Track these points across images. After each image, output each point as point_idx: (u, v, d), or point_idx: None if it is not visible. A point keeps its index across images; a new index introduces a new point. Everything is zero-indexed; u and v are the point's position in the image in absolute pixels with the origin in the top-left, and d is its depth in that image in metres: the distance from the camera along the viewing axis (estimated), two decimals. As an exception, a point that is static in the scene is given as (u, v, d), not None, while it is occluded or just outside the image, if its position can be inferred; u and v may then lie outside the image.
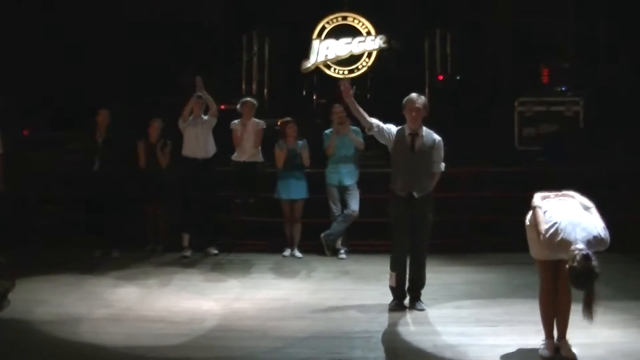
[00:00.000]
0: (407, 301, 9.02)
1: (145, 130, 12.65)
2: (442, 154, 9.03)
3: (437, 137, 9.02)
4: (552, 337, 7.09)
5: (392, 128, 8.98)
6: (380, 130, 8.90)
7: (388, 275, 9.04)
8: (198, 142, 12.21)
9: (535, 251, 6.99)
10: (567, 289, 6.90)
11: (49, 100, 16.00)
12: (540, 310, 7.17)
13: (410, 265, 9.01)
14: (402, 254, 8.98)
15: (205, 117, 12.31)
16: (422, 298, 9.04)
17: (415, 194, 8.80)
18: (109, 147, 12.13)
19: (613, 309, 8.63)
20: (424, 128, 8.98)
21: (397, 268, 8.95)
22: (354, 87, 18.71)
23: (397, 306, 8.91)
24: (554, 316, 7.06)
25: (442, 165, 9.04)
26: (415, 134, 8.88)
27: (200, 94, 12.16)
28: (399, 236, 8.98)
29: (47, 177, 13.58)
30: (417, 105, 8.83)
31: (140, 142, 12.60)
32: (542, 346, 7.09)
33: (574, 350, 6.94)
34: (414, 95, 8.99)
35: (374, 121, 8.92)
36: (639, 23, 16.10)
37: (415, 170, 8.84)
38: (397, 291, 8.99)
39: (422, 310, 8.84)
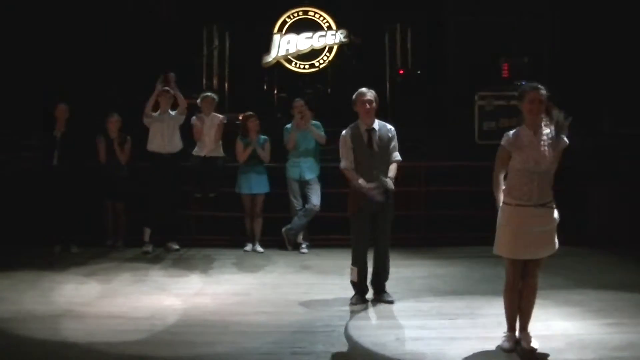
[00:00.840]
0: (372, 294, 9.07)
1: (104, 126, 12.56)
2: (396, 143, 9.01)
3: (391, 127, 9.03)
4: (514, 330, 7.14)
5: (346, 136, 8.97)
6: (351, 158, 8.93)
7: (349, 270, 9.05)
8: (164, 137, 12.15)
9: (505, 250, 7.02)
10: (533, 287, 7.08)
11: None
12: (505, 305, 7.20)
13: (374, 259, 9.04)
14: (363, 249, 8.99)
15: (173, 113, 12.25)
16: None
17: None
18: (68, 142, 12.02)
19: (570, 302, 8.80)
20: (377, 121, 8.98)
21: (358, 263, 8.96)
22: (319, 86, 18.81)
23: (358, 300, 8.92)
24: (517, 310, 7.13)
25: (397, 154, 8.99)
26: (371, 129, 8.88)
27: (167, 87, 12.11)
28: (360, 231, 8.98)
29: (2, 173, 13.41)
30: (369, 97, 8.84)
31: (100, 137, 12.51)
32: (504, 338, 7.14)
33: (535, 342, 7.00)
34: (363, 89, 8.97)
35: (349, 163, 8.93)
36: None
37: (377, 166, 8.80)
38: (359, 286, 9.00)
39: (391, 302, 8.88)
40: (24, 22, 16.43)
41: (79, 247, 12.05)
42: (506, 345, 7.07)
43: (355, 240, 9.06)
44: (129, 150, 12.54)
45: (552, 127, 6.91)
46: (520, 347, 7.00)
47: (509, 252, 7.00)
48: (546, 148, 6.86)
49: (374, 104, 8.85)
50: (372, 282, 9.11)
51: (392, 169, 8.89)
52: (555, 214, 6.99)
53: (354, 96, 8.96)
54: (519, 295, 7.09)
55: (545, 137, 6.89)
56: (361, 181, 8.69)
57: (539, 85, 7.00)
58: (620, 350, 7.05)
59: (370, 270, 9.10)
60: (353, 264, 9.02)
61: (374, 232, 8.97)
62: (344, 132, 8.99)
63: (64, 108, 12.11)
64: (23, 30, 16.31)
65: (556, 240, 7.02)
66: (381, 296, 9.00)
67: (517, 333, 7.13)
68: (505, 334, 7.17)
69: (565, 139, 6.90)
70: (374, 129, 8.86)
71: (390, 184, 8.70)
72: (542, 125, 6.92)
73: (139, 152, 12.55)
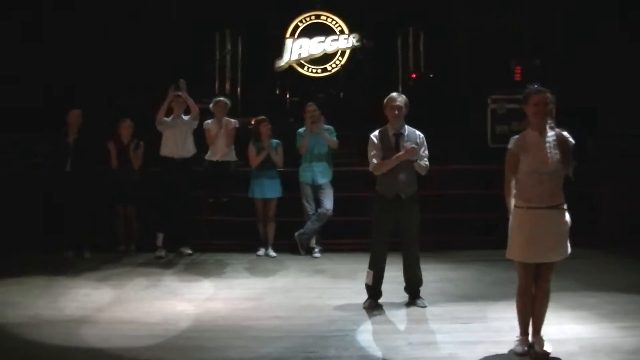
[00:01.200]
0: (407, 300, 9.11)
1: (116, 131, 12.59)
2: (426, 150, 9.00)
3: (420, 134, 9.00)
4: (527, 334, 7.16)
5: (374, 140, 8.93)
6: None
7: (365, 274, 9.06)
8: (176, 143, 12.17)
9: (517, 254, 7.03)
10: (545, 291, 7.09)
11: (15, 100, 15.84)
12: (517, 308, 7.19)
13: (404, 266, 9.05)
14: (382, 253, 8.99)
15: (186, 118, 12.27)
16: (393, 296, 9.12)
17: (402, 195, 8.82)
18: (81, 148, 12.04)
19: (584, 305, 8.77)
20: (407, 127, 8.97)
21: (375, 267, 8.97)
22: (331, 90, 18.81)
23: (371, 305, 8.93)
24: (530, 314, 7.12)
25: (426, 161, 8.94)
26: (399, 134, 8.87)
27: (179, 92, 12.14)
28: (380, 236, 8.99)
29: (15, 178, 13.42)
30: (399, 103, 8.84)
31: (111, 142, 12.53)
32: (517, 342, 7.14)
33: (548, 346, 6.98)
34: (394, 94, 9.01)
35: (375, 160, 8.87)
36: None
37: (402, 171, 8.81)
38: (373, 289, 9.01)
39: (424, 307, 8.88)
40: (38, 26, 16.50)
41: (92, 252, 12.05)
42: (519, 349, 7.06)
43: (374, 243, 9.08)
44: (141, 155, 12.55)
45: (557, 129, 6.98)
46: (533, 351, 6.99)
47: (521, 255, 7.00)
48: (552, 149, 6.90)
49: (404, 110, 8.87)
50: (406, 289, 9.11)
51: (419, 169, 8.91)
52: (567, 216, 7.00)
53: (385, 100, 8.97)
54: (532, 299, 7.08)
55: (550, 139, 6.93)
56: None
57: (544, 88, 7.06)
58: (633, 354, 7.03)
59: (390, 275, 9.10)
60: (370, 267, 9.02)
61: (401, 237, 8.96)
62: (372, 134, 8.97)
63: (77, 113, 12.13)
64: (36, 35, 16.36)
65: (568, 244, 7.02)
66: (415, 301, 9.00)
67: (530, 337, 7.13)
68: (518, 338, 7.16)
69: (571, 138, 6.96)
70: (401, 133, 8.87)
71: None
72: (547, 128, 6.96)
73: (151, 157, 12.56)
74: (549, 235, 6.89)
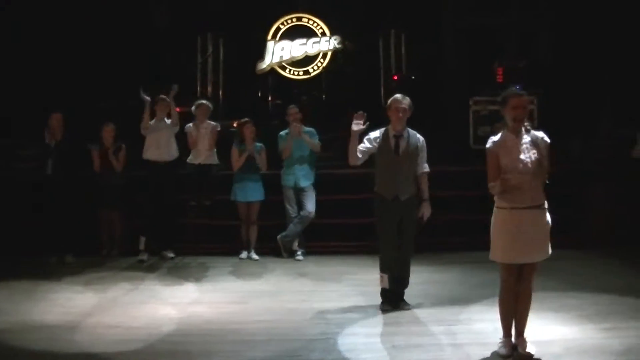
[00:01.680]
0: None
1: (99, 135, 12.55)
2: (425, 154, 9.12)
3: (421, 138, 9.09)
4: (510, 336, 7.14)
5: (372, 135, 8.96)
6: (364, 154, 8.90)
7: (379, 278, 8.99)
8: (160, 146, 12.15)
9: (499, 255, 7.06)
10: (528, 291, 7.07)
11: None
12: (500, 310, 7.19)
13: (398, 265, 8.97)
14: (391, 256, 8.95)
15: (168, 121, 12.24)
16: (377, 298, 9.13)
17: (400, 197, 8.85)
18: (63, 151, 11.99)
19: (567, 306, 8.79)
20: (409, 129, 9.03)
21: (388, 269, 8.94)
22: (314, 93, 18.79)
23: (389, 307, 8.91)
24: (513, 315, 7.12)
25: (426, 165, 9.12)
26: (400, 136, 8.92)
27: (164, 96, 12.13)
28: (387, 238, 8.96)
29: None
30: (403, 105, 8.85)
31: (94, 146, 12.49)
32: (500, 344, 7.11)
33: (531, 347, 7.00)
34: (399, 95, 9.02)
35: (359, 154, 8.82)
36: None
37: (400, 173, 8.88)
38: (390, 292, 8.98)
39: (409, 309, 8.88)
40: (21, 31, 16.45)
41: (74, 257, 11.99)
42: (503, 351, 7.04)
43: (381, 246, 9.06)
44: (123, 158, 12.53)
45: (533, 131, 7.06)
46: (517, 353, 6.97)
47: (505, 256, 7.02)
48: (530, 150, 6.93)
49: (407, 112, 8.86)
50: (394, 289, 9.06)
51: (424, 186, 9.07)
52: (548, 216, 7.04)
53: (389, 101, 9.03)
54: (515, 300, 7.09)
55: (527, 140, 6.97)
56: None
57: (522, 91, 7.11)
58: (619, 355, 7.03)
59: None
60: (382, 271, 8.95)
61: (399, 239, 8.93)
62: (372, 132, 8.98)
63: (58, 117, 12.08)
64: (19, 40, 16.31)
65: (549, 244, 7.06)
66: (399, 303, 8.98)
67: (513, 339, 7.11)
68: (501, 340, 7.14)
69: (546, 138, 7.01)
70: (402, 135, 8.91)
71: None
72: (523, 130, 7.00)
73: (135, 160, 12.53)
74: (531, 235, 6.91)
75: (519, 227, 6.89)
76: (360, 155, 8.82)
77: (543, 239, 7.00)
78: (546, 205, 7.01)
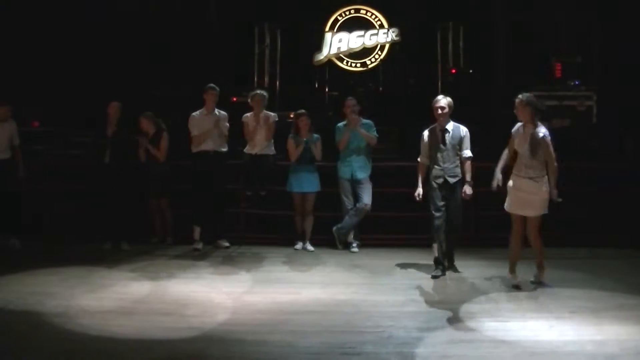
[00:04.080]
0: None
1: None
2: (468, 142, 10.63)
3: (464, 129, 10.61)
4: (514, 272, 9.68)
5: (425, 137, 10.67)
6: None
7: (434, 247, 10.39)
8: (212, 137, 12.11)
9: (507, 206, 9.64)
10: (534, 239, 9.59)
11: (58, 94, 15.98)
12: (510, 250, 9.75)
13: (447, 238, 10.47)
14: (440, 229, 10.42)
15: (217, 113, 12.22)
16: (432, 293, 9.33)
17: (450, 180, 10.43)
18: (119, 140, 12.08)
19: (624, 306, 8.66)
20: (452, 123, 10.55)
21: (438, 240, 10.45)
22: (370, 85, 18.79)
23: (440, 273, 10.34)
24: (519, 256, 9.72)
25: (468, 151, 10.56)
26: (445, 130, 10.44)
27: (213, 85, 12.16)
28: (437, 215, 10.41)
29: (54, 170, 13.52)
30: (442, 104, 10.47)
31: (141, 135, 12.53)
32: (510, 278, 9.68)
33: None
34: (439, 96, 10.65)
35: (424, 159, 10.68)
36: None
37: (448, 160, 10.44)
38: (441, 261, 10.45)
39: (459, 272, 10.56)
40: (75, 23, 16.62)
41: (129, 244, 12.10)
42: (514, 282, 9.62)
43: (435, 225, 10.50)
44: (164, 147, 12.53)
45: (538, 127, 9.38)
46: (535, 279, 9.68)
47: (508, 207, 9.63)
48: (531, 139, 9.32)
49: (447, 110, 10.47)
50: (447, 258, 10.61)
51: (468, 171, 10.55)
52: (544, 187, 9.34)
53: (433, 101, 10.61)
54: (522, 242, 9.71)
55: (531, 132, 9.35)
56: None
57: (522, 96, 9.53)
58: (677, 356, 6.93)
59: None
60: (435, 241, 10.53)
61: (449, 217, 10.51)
62: (424, 132, 10.72)
63: (116, 105, 12.17)
64: (72, 30, 16.48)
65: (546, 207, 9.38)
66: (452, 268, 10.65)
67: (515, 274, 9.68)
68: (509, 275, 9.72)
69: (540, 133, 9.27)
70: (447, 129, 10.46)
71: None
72: (532, 123, 9.39)
73: (183, 149, 12.56)
74: (527, 196, 9.37)
75: (520, 190, 9.44)
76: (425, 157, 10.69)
77: (537, 202, 9.37)
78: (545, 179, 9.33)
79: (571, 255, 11.54)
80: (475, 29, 18.66)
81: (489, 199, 11.58)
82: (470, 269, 10.71)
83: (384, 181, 12.56)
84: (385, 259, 11.37)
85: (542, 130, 9.30)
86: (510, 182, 9.57)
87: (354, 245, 12.16)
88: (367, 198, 11.99)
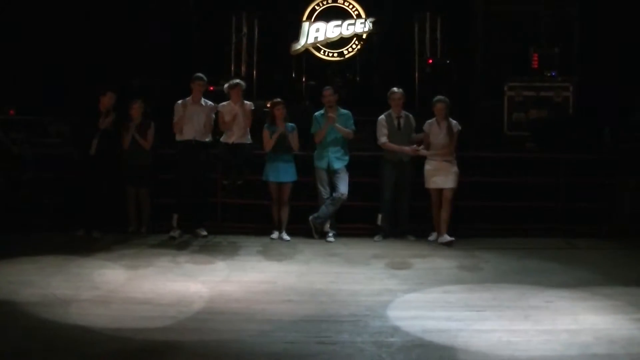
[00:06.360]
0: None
1: (128, 112, 12.55)
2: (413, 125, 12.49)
3: (410, 115, 12.51)
4: (437, 232, 11.89)
5: (383, 120, 12.35)
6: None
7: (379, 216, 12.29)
8: (194, 126, 12.10)
9: (427, 184, 11.96)
10: (447, 207, 11.82)
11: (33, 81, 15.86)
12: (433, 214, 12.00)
13: (399, 211, 12.45)
14: (389, 203, 12.34)
15: (204, 103, 12.21)
16: (409, 282, 9.25)
17: (403, 159, 12.21)
18: (111, 132, 12.05)
19: (599, 295, 8.70)
20: (403, 112, 12.38)
21: (384, 211, 12.35)
22: (347, 75, 18.79)
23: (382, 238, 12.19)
24: (439, 220, 11.86)
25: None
26: (400, 117, 12.29)
27: (200, 74, 12.13)
28: (387, 190, 12.30)
29: (29, 160, 13.42)
30: (398, 96, 12.33)
31: (125, 123, 12.48)
32: (433, 236, 12.07)
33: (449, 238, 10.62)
34: (394, 88, 12.46)
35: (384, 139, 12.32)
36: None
37: (402, 143, 12.13)
38: (384, 229, 12.27)
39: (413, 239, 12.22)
40: (51, 9, 16.51)
41: (101, 232, 12.05)
42: (433, 237, 12.05)
43: (383, 198, 12.43)
44: (152, 136, 12.51)
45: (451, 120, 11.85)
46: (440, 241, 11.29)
47: (428, 184, 11.98)
48: (444, 130, 11.83)
49: (402, 100, 12.40)
50: (400, 228, 12.48)
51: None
52: (454, 168, 11.81)
53: (388, 93, 12.47)
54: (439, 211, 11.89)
55: (444, 125, 11.85)
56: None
57: (442, 97, 11.99)
58: (649, 345, 6.98)
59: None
60: (380, 212, 12.40)
61: (399, 192, 12.43)
62: (380, 117, 12.41)
63: (112, 96, 12.11)
64: (47, 17, 16.38)
65: (455, 183, 11.78)
66: (405, 236, 12.38)
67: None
68: (432, 234, 12.10)
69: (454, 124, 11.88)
70: (401, 116, 12.33)
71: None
72: (444, 119, 11.92)
73: (165, 138, 12.54)
74: (442, 174, 11.78)
75: (436, 170, 11.86)
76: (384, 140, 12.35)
77: (449, 178, 11.78)
78: (455, 162, 11.87)
79: (548, 245, 11.63)
80: (453, 20, 18.67)
81: (468, 189, 11.69)
82: (447, 259, 10.74)
83: (361, 170, 12.59)
84: (362, 249, 11.41)
85: (453, 121, 11.97)
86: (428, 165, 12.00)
87: (331, 234, 12.17)
88: (343, 188, 12.01)
